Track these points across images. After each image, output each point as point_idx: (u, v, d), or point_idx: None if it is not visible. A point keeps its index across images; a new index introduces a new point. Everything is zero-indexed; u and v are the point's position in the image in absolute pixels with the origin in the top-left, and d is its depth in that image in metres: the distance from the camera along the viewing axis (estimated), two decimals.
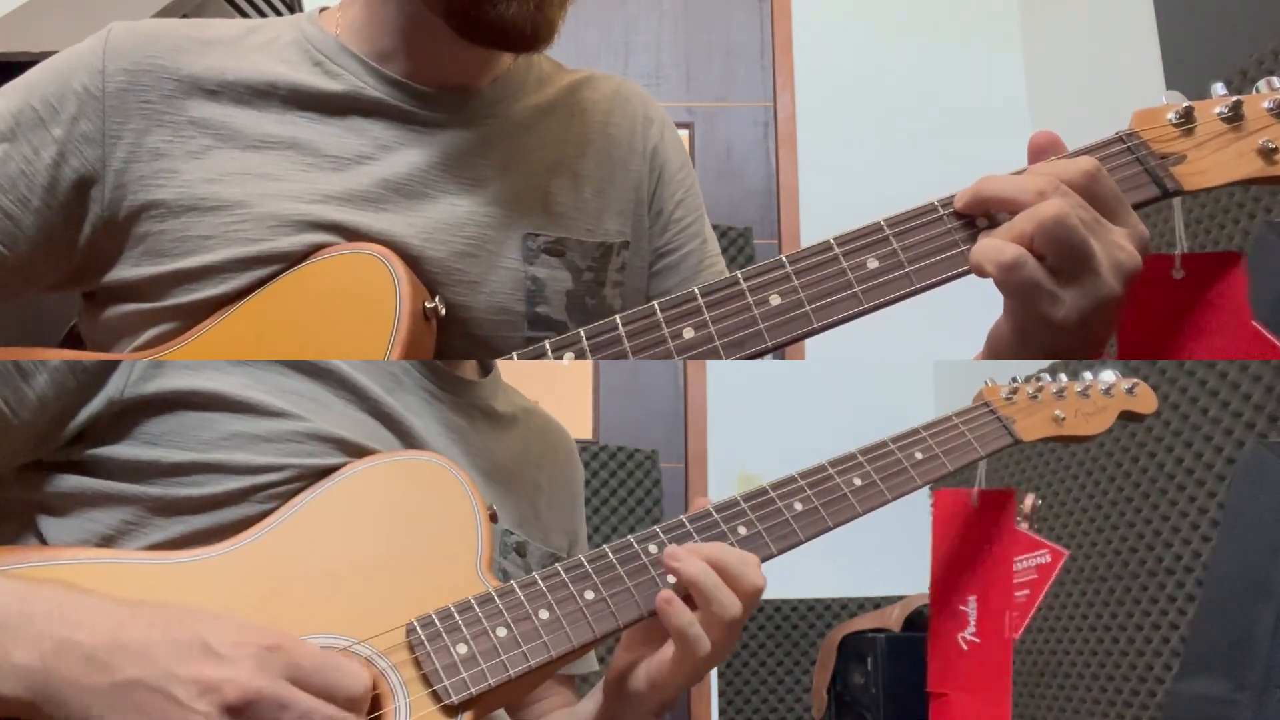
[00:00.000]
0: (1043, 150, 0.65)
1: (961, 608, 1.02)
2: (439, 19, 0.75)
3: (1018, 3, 3.18)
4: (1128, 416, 0.97)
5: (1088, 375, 0.98)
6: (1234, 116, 0.67)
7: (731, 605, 0.68)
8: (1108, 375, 0.97)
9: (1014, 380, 0.96)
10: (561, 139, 0.84)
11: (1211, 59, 2.04)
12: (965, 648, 1.01)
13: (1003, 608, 1.01)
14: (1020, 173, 0.63)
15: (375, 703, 0.61)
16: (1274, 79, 0.68)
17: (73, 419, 0.66)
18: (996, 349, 0.66)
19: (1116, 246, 0.60)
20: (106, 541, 0.65)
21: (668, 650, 0.70)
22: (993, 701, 0.99)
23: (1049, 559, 1.03)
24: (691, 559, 0.69)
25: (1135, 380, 0.97)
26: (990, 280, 0.63)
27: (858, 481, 0.80)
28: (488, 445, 0.81)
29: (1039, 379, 0.97)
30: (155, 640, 0.54)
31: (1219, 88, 0.68)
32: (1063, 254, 0.58)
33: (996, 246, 0.60)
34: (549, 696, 0.87)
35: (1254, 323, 0.71)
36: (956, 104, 3.07)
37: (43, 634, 0.53)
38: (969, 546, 1.05)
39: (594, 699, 0.78)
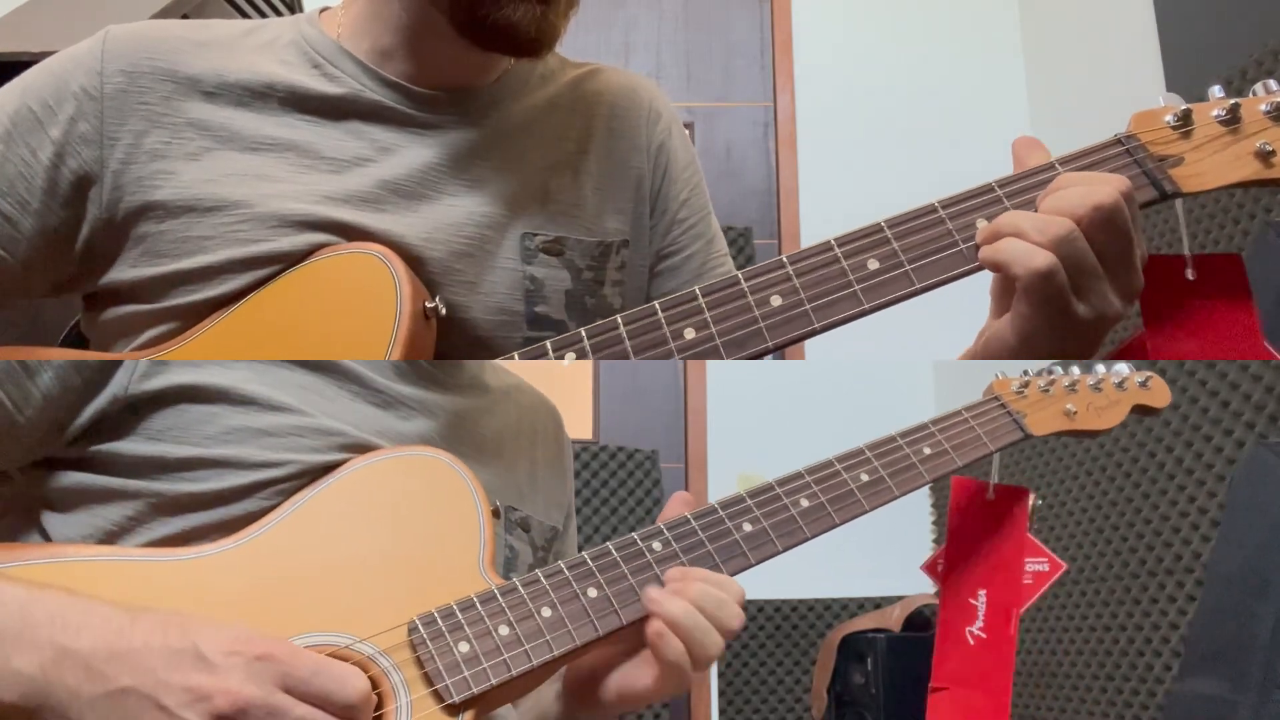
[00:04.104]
0: (1029, 151, 0.67)
1: (972, 601, 1.01)
2: (443, 19, 0.75)
3: (1018, 3, 3.18)
4: (1141, 410, 0.96)
5: (1100, 368, 0.96)
6: (1231, 119, 0.67)
7: (714, 646, 0.67)
8: (1121, 368, 0.95)
9: (1025, 374, 0.94)
10: (563, 135, 0.84)
11: (1211, 59, 2.04)
12: (972, 642, 1.00)
13: (1010, 604, 1.00)
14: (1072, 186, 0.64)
15: (377, 701, 0.61)
16: (1271, 82, 0.68)
17: (78, 416, 0.66)
18: (993, 349, 0.66)
19: (1136, 274, 0.63)
20: (110, 538, 0.65)
21: (644, 671, 0.69)
22: (994, 698, 0.98)
23: (1047, 568, 1.03)
24: (674, 600, 0.67)
25: (1149, 374, 0.96)
26: (989, 279, 0.64)
27: (865, 477, 0.80)
28: (484, 423, 0.81)
29: (1050, 372, 0.95)
30: (151, 648, 0.54)
31: (1216, 90, 0.68)
32: (1079, 271, 0.61)
33: (1028, 251, 0.61)
34: None
35: (1255, 324, 0.71)
36: (956, 104, 3.07)
37: (43, 642, 0.53)
38: (982, 539, 1.03)
39: (554, 687, 0.78)
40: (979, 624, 1.00)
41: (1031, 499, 1.03)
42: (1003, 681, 0.99)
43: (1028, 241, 0.61)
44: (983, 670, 0.99)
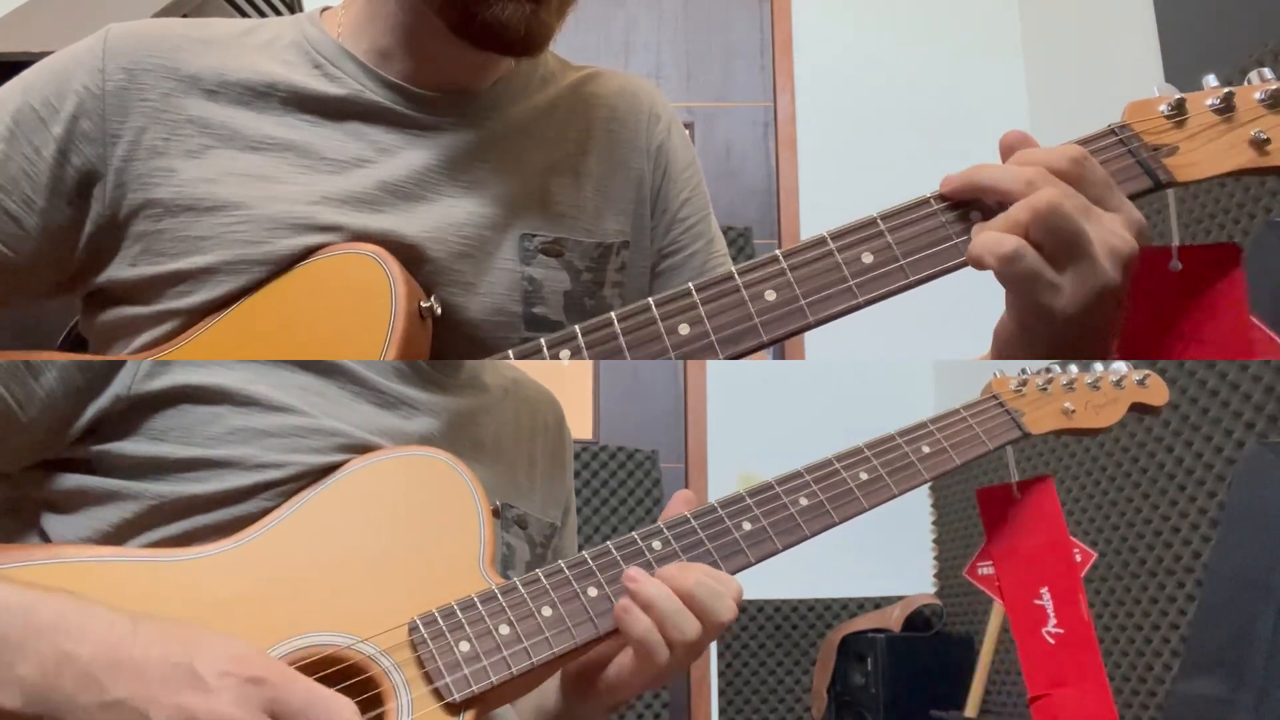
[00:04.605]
0: (1014, 149, 0.66)
1: (1037, 602, 1.00)
2: (437, 18, 0.75)
3: (1018, 3, 3.18)
4: (1139, 409, 0.96)
5: (1098, 367, 0.96)
6: (1225, 108, 0.67)
7: (690, 629, 0.67)
8: (1119, 366, 0.96)
9: (1023, 372, 0.94)
10: (563, 137, 0.84)
11: (1211, 59, 2.04)
12: (1052, 641, 0.99)
13: (1075, 589, 0.99)
14: (1009, 162, 0.63)
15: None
16: (1265, 70, 0.67)
17: (81, 416, 0.66)
18: (1003, 347, 0.66)
19: (1110, 232, 0.60)
20: (110, 539, 0.65)
21: (627, 655, 0.70)
22: (1094, 690, 0.97)
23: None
24: (652, 583, 0.68)
25: (1147, 371, 0.96)
26: (988, 277, 0.63)
27: (864, 476, 0.80)
28: (483, 422, 0.81)
29: (1049, 370, 0.95)
30: (150, 660, 0.53)
31: (1211, 79, 0.68)
32: (1057, 241, 0.59)
33: (995, 239, 0.60)
34: None
35: (1253, 318, 0.70)
36: (956, 104, 3.07)
37: (46, 648, 0.53)
38: (1023, 539, 1.03)
39: (554, 680, 0.78)
40: (1052, 622, 0.99)
41: None
42: (1096, 669, 0.97)
43: (994, 229, 0.60)
44: (1073, 665, 0.98)
